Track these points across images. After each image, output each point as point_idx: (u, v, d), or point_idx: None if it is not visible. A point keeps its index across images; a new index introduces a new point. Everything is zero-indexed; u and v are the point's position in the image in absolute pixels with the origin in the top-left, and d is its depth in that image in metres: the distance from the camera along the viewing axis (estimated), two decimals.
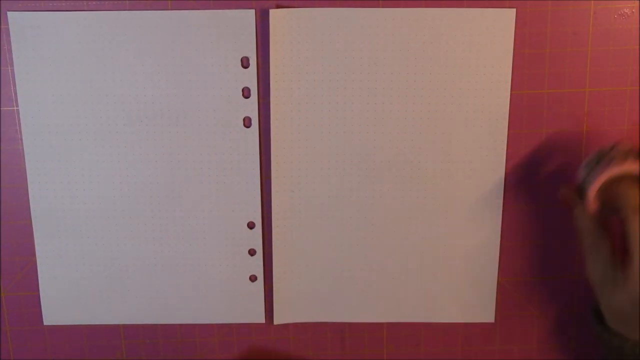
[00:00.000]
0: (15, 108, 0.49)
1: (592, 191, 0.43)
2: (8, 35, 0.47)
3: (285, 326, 0.53)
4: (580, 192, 0.44)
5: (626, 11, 0.47)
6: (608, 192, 0.44)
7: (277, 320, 0.52)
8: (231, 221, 0.51)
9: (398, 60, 0.48)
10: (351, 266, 0.51)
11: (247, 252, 0.51)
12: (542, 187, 0.50)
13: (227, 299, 0.52)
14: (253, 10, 0.47)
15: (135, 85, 0.48)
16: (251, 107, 0.49)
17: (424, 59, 0.48)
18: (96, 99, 0.48)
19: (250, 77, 0.48)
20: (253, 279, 0.52)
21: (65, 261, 0.51)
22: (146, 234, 0.51)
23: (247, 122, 0.49)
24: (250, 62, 0.48)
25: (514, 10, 0.47)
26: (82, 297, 0.52)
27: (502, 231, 0.51)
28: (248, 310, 0.52)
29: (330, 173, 0.50)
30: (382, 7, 0.47)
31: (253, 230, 0.51)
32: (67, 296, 0.52)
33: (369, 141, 0.49)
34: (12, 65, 0.48)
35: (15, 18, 0.47)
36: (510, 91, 0.48)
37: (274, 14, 0.47)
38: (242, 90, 0.48)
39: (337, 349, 0.54)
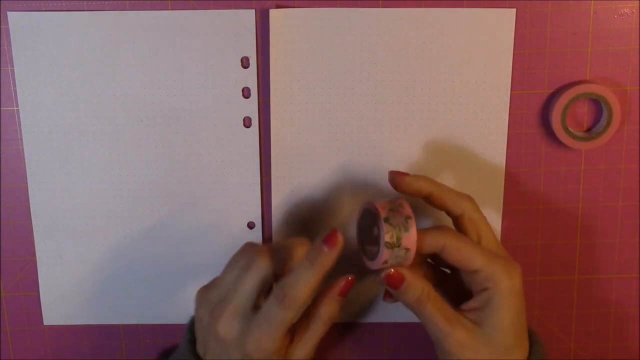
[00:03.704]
0: (15, 108, 0.49)
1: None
2: (8, 35, 0.47)
3: None
4: None
5: (626, 11, 0.47)
6: None
7: None
8: (231, 221, 0.51)
9: (398, 60, 0.48)
10: (351, 266, 0.51)
11: None
12: (542, 187, 0.50)
13: None
14: (253, 10, 0.47)
15: (135, 85, 0.48)
16: (251, 107, 0.49)
17: (424, 59, 0.48)
18: (96, 99, 0.48)
19: (250, 77, 0.48)
20: None
21: (65, 261, 0.51)
22: (146, 234, 0.51)
23: (247, 122, 0.49)
24: (250, 62, 0.48)
25: (514, 10, 0.47)
26: (82, 297, 0.52)
27: (502, 231, 0.51)
28: None
29: (331, 173, 0.50)
30: (382, 7, 0.47)
31: (253, 230, 0.51)
32: (67, 296, 0.52)
33: (369, 141, 0.49)
34: (12, 65, 0.48)
35: (15, 18, 0.47)
36: (510, 91, 0.48)
37: (274, 14, 0.47)
38: (242, 90, 0.48)
39: (338, 349, 0.54)
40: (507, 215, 0.51)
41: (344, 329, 0.53)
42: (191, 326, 0.45)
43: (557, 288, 0.52)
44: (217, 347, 0.41)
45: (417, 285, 0.41)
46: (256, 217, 0.51)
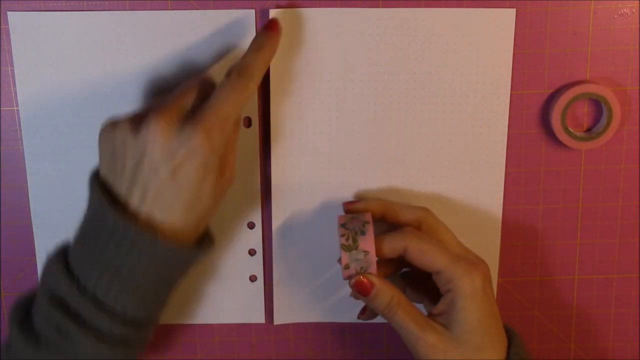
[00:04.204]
0: (15, 108, 0.49)
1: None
2: (8, 35, 0.47)
3: (285, 326, 0.53)
4: None
5: (626, 11, 0.47)
6: None
7: (277, 320, 0.52)
8: (231, 221, 0.51)
9: (398, 60, 0.48)
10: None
11: (247, 252, 0.51)
12: (542, 187, 0.50)
13: (227, 299, 0.52)
14: (253, 10, 0.47)
15: (135, 85, 0.48)
16: (251, 108, 0.49)
17: (423, 59, 0.48)
18: (96, 98, 0.48)
19: None
20: (253, 279, 0.52)
21: None
22: None
23: (247, 122, 0.49)
24: None
25: (514, 10, 0.47)
26: None
27: (502, 231, 0.51)
28: (248, 310, 0.52)
29: (330, 173, 0.50)
30: (382, 7, 0.47)
31: (253, 230, 0.51)
32: None
33: (369, 141, 0.49)
34: (12, 65, 0.48)
35: (15, 18, 0.47)
36: (510, 91, 0.48)
37: (274, 14, 0.47)
38: None
39: (337, 349, 0.54)
40: (507, 214, 0.51)
41: (344, 329, 0.53)
42: (95, 178, 0.42)
43: (557, 288, 0.52)
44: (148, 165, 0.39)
45: (387, 292, 0.41)
46: (256, 217, 0.51)
